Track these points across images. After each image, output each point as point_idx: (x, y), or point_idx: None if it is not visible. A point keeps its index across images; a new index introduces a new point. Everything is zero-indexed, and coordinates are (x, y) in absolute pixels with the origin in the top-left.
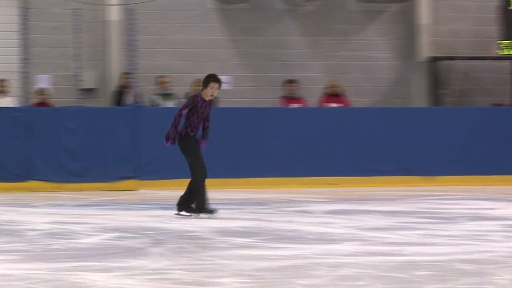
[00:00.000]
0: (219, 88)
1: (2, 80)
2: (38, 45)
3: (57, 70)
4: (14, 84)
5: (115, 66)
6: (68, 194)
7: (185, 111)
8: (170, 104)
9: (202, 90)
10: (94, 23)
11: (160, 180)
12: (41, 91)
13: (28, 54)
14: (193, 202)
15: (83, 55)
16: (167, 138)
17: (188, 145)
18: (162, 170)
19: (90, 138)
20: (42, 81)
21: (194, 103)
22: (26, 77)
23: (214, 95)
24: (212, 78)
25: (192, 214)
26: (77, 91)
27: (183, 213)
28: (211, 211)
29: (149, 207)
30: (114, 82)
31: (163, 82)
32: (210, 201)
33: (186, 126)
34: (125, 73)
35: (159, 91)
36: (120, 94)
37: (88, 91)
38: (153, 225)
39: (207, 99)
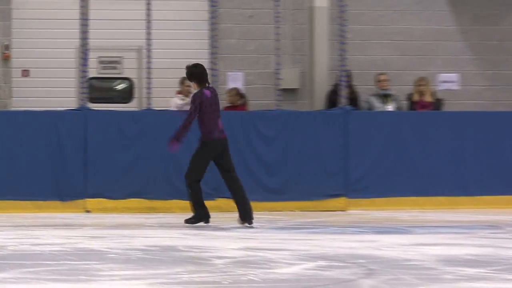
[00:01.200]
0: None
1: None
2: (229, 36)
3: (252, 66)
4: None
5: (322, 61)
6: (264, 214)
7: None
8: (388, 107)
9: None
10: (298, 10)
11: (373, 199)
12: (233, 92)
13: (218, 48)
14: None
15: (283, 49)
16: None
17: None
18: (375, 186)
19: (291, 148)
20: (234, 80)
21: (199, 101)
22: (215, 75)
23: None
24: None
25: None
26: (275, 91)
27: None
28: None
29: (361, 230)
30: (320, 80)
31: (380, 81)
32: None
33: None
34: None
35: (376, 91)
36: (333, 95)
37: (289, 91)
38: (365, 252)
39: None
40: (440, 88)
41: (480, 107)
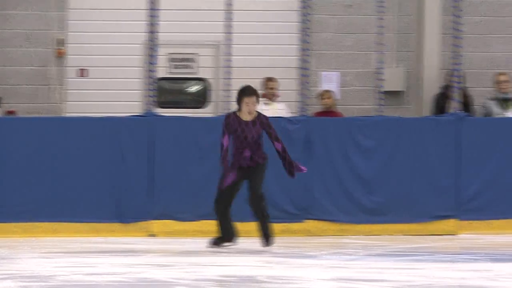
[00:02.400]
0: (257, 102)
1: (271, 80)
2: (323, 30)
3: (348, 65)
4: (288, 84)
5: (432, 59)
6: (359, 239)
7: (224, 140)
8: (509, 113)
9: (238, 109)
10: (404, 3)
11: (489, 221)
12: (326, 94)
13: (310, 43)
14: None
15: (387, 44)
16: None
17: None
18: (492, 206)
19: (393, 161)
20: (328, 81)
21: (225, 126)
22: (305, 75)
23: (252, 111)
24: (244, 93)
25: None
26: (376, 94)
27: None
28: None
29: (474, 258)
30: (429, 82)
31: (500, 82)
32: None
33: (233, 154)
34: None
35: (495, 94)
36: (444, 99)
37: (393, 94)
38: (478, 284)
39: (247, 119)
40: None
41: None
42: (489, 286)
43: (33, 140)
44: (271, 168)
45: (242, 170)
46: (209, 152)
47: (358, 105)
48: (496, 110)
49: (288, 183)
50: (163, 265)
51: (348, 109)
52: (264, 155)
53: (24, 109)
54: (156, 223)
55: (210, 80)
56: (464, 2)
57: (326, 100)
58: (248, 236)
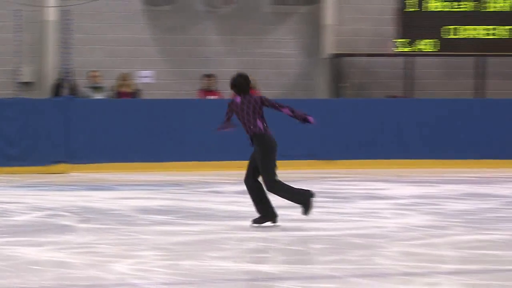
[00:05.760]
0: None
1: None
2: None
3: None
4: None
5: (52, 61)
6: (5, 176)
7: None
8: (99, 96)
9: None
10: (33, 23)
11: (89, 164)
12: None
13: None
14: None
15: (22, 52)
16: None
17: None
18: (91, 155)
19: (27, 126)
20: None
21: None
22: None
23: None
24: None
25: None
26: (16, 84)
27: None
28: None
29: (78, 188)
30: (50, 76)
31: (94, 76)
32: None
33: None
34: (66, 69)
35: (90, 84)
36: (58, 87)
37: (26, 84)
38: (81, 204)
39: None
40: (140, 81)
41: (169, 95)
42: (88, 206)
43: None
44: None
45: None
46: None
47: (5, 91)
48: (91, 94)
49: None
50: None
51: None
52: (261, 138)
53: None
54: None
55: None
56: (73, 25)
57: None
58: None
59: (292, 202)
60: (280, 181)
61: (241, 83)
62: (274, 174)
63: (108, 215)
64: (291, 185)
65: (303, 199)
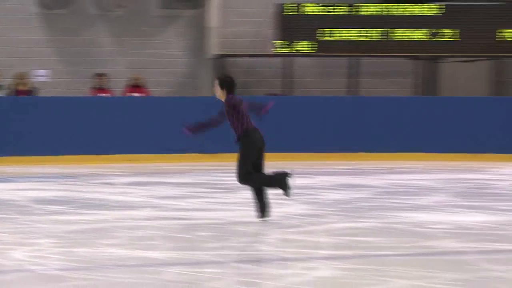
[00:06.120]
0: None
1: None
2: None
3: None
4: None
5: None
6: None
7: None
8: (1, 94)
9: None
10: None
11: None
12: None
13: None
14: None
15: None
16: None
17: None
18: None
19: None
20: None
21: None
22: None
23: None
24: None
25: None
26: None
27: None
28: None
29: None
30: None
31: None
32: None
33: None
34: None
35: None
36: None
37: None
38: None
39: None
40: (36, 80)
41: (63, 93)
42: None
43: None
44: None
45: None
46: None
47: None
48: None
49: None
50: None
51: None
52: (244, 135)
53: None
54: None
55: None
56: None
57: None
58: None
59: (271, 188)
60: (252, 172)
61: (229, 83)
62: (249, 168)
63: (6, 205)
64: (264, 173)
65: (279, 182)
